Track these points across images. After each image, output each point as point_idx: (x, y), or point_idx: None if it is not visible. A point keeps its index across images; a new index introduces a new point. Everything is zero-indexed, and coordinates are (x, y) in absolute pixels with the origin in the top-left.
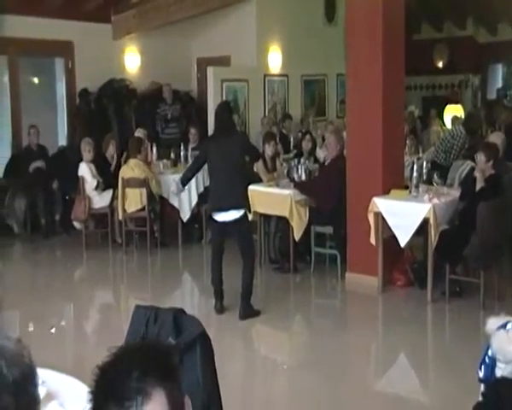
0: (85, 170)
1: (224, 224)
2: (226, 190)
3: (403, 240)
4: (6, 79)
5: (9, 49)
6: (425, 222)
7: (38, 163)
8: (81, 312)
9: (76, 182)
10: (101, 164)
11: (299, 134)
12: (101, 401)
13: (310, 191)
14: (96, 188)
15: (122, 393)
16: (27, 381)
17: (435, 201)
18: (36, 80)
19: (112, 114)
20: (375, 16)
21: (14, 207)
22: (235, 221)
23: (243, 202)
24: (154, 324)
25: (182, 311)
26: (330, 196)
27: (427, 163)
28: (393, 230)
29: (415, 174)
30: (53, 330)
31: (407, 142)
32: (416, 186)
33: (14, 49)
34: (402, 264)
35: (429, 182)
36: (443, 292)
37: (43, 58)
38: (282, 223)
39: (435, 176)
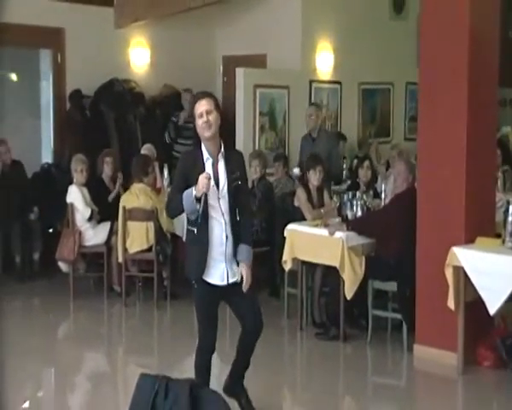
0: (76, 195)
1: None
2: None
3: (493, 306)
4: None
5: None
6: None
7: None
8: (65, 380)
9: (63, 211)
10: (96, 188)
11: (355, 160)
12: None
13: (367, 230)
14: (90, 219)
15: None
16: None
17: None
18: (14, 78)
19: (111, 125)
20: (459, 6)
21: None
22: None
23: None
24: (164, 398)
25: (200, 383)
26: (393, 240)
27: None
28: (480, 291)
29: (510, 218)
30: (27, 405)
31: (499, 174)
32: None
33: None
34: (491, 337)
35: None
36: None
37: (25, 49)
38: (331, 275)
39: None
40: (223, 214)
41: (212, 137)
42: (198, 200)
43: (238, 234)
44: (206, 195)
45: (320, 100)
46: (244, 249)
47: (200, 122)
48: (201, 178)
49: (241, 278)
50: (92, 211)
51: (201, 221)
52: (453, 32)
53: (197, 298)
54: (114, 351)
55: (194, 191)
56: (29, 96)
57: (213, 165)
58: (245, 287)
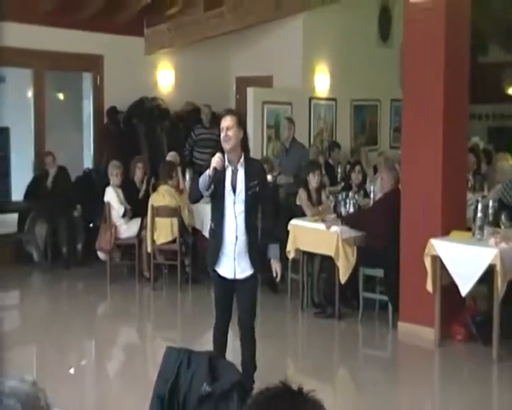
0: (112, 195)
1: None
2: None
3: (464, 288)
4: (30, 94)
5: (35, 63)
6: (490, 269)
7: (53, 171)
8: (103, 351)
9: (101, 208)
10: (129, 190)
11: (348, 165)
12: None
13: (358, 224)
14: (124, 216)
15: None
16: None
17: (503, 245)
18: (61, 97)
19: (142, 136)
20: (436, 35)
21: (34, 233)
22: None
23: None
24: (187, 368)
25: (218, 356)
26: (380, 233)
27: (493, 203)
28: (453, 276)
29: (479, 214)
30: (72, 371)
31: (470, 177)
32: (481, 228)
33: (40, 63)
34: (463, 315)
35: (496, 224)
36: (511, 351)
37: (71, 73)
38: (327, 263)
39: (503, 217)
40: (235, 217)
41: (231, 149)
42: (210, 177)
43: (249, 236)
44: (219, 173)
45: (318, 114)
46: (272, 248)
47: (221, 136)
48: (215, 156)
49: (276, 274)
50: (125, 209)
51: (213, 194)
52: (431, 57)
53: (213, 285)
54: (144, 327)
55: (208, 171)
56: (73, 112)
57: (233, 172)
58: (278, 279)
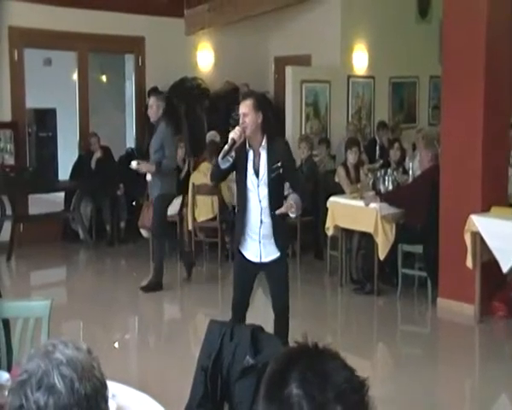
0: None
1: None
2: None
3: (505, 265)
4: (75, 76)
5: (79, 45)
6: None
7: (98, 154)
8: (146, 325)
9: (144, 187)
10: None
11: (387, 142)
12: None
13: (397, 201)
14: None
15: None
16: (99, 395)
17: None
18: (104, 78)
19: (183, 115)
20: (477, 10)
21: (79, 211)
22: None
23: None
24: (230, 341)
25: (260, 328)
26: (420, 209)
27: None
28: (494, 253)
29: None
30: (116, 345)
31: (511, 153)
32: None
33: (84, 45)
34: (504, 292)
35: None
36: None
37: (113, 54)
38: (366, 239)
39: None
40: (260, 201)
41: (250, 136)
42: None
43: (275, 219)
44: (239, 149)
45: (357, 92)
46: (294, 195)
47: (240, 122)
48: (234, 129)
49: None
50: None
51: (237, 179)
52: (471, 32)
53: (234, 264)
54: (186, 303)
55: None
56: (116, 93)
57: (255, 156)
58: (287, 207)
